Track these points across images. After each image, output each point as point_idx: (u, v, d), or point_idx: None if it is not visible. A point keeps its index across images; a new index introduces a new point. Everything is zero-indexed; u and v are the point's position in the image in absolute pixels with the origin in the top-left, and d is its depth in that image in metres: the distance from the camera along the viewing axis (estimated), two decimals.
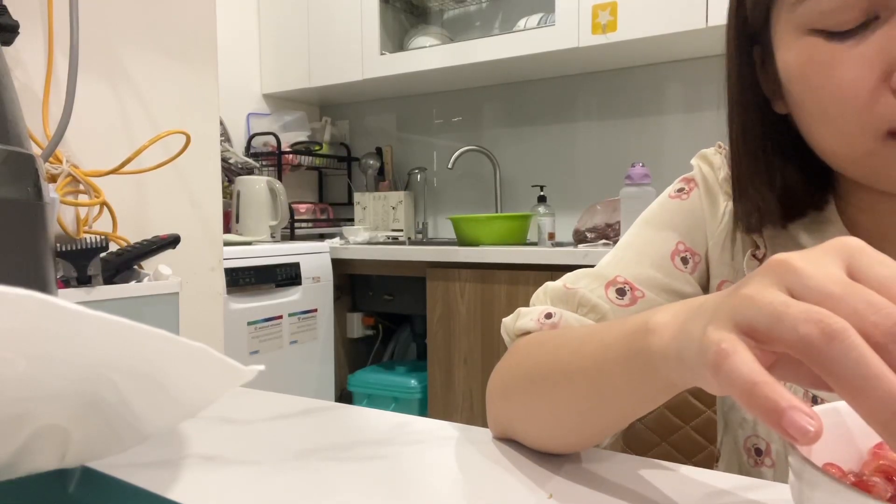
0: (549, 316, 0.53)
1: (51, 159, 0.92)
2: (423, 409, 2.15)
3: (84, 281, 0.85)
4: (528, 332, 0.53)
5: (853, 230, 0.52)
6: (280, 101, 2.80)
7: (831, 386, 0.25)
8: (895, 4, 0.40)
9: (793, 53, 0.46)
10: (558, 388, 0.44)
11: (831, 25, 0.42)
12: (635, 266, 0.58)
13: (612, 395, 0.39)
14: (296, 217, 2.55)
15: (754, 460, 0.58)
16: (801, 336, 0.25)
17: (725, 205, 0.58)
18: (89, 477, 0.35)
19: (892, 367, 0.24)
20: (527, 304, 0.58)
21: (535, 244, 2.17)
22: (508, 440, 0.50)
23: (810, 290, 0.26)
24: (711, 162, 0.61)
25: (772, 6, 0.47)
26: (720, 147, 0.61)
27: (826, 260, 0.27)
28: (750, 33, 0.51)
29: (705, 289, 0.60)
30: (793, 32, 0.45)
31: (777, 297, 0.26)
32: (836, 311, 0.25)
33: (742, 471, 0.58)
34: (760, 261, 0.56)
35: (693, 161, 0.62)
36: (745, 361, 0.26)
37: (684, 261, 0.58)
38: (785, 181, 0.52)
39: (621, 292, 0.56)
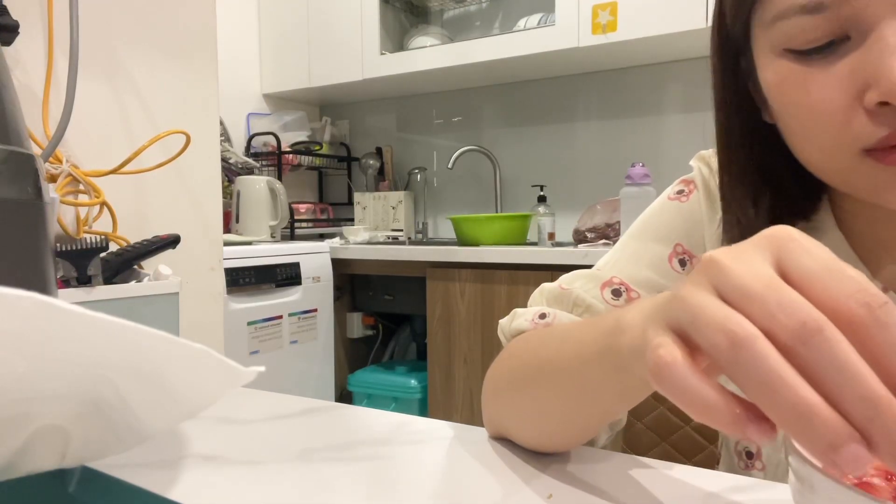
0: (542, 316, 0.53)
1: (51, 159, 0.92)
2: (423, 409, 2.15)
3: (84, 281, 0.85)
4: (523, 333, 0.53)
5: (849, 237, 0.52)
6: (280, 101, 2.80)
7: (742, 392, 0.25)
8: (865, 26, 0.40)
9: (770, 72, 0.46)
10: (541, 387, 0.44)
11: (802, 44, 0.42)
12: (632, 267, 0.58)
13: (593, 392, 0.39)
14: (296, 217, 2.54)
15: (745, 463, 0.58)
16: (711, 344, 0.25)
17: None
18: (89, 477, 0.35)
19: (800, 370, 0.24)
20: (527, 305, 0.58)
21: (535, 244, 2.17)
22: (507, 440, 0.50)
23: (733, 288, 0.26)
24: (710, 164, 0.60)
25: (750, 23, 0.47)
26: None
27: (754, 254, 0.27)
28: (734, 46, 0.51)
29: None
30: (769, 52, 0.45)
31: (701, 299, 0.27)
32: (751, 312, 0.25)
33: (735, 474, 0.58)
34: None
35: (692, 163, 0.62)
36: (686, 373, 0.26)
37: (682, 263, 0.58)
38: (775, 191, 0.52)
39: (617, 293, 0.56)
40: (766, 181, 0.52)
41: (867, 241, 0.51)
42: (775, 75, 0.45)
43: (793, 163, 0.50)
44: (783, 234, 0.27)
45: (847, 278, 0.25)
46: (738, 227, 0.53)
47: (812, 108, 0.43)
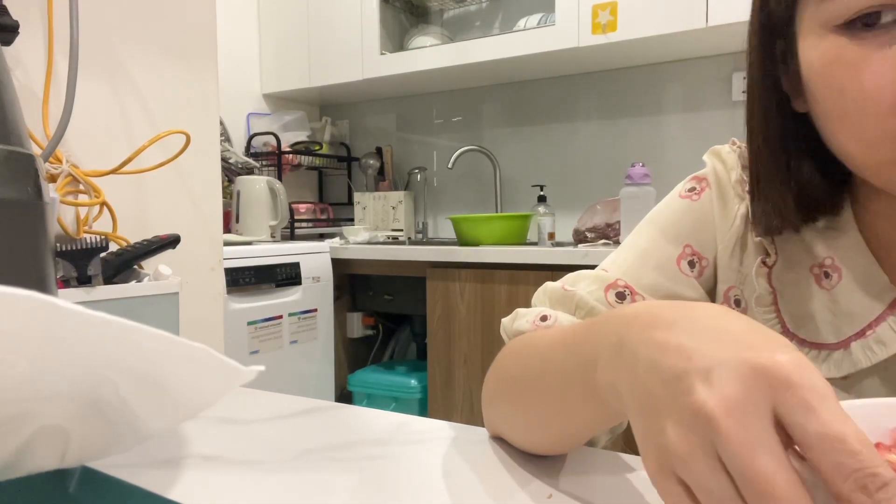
0: (544, 318, 0.52)
1: (51, 159, 0.92)
2: (423, 409, 2.15)
3: (84, 281, 0.85)
4: (524, 334, 0.53)
5: (869, 237, 0.50)
6: (280, 101, 2.80)
7: None
8: None
9: (817, 52, 0.43)
10: (528, 401, 0.45)
11: (857, 13, 0.40)
12: (638, 269, 0.56)
13: (574, 411, 0.40)
14: (296, 217, 2.54)
15: None
16: None
17: (737, 208, 0.55)
18: (89, 477, 0.35)
19: None
20: (527, 304, 0.57)
21: (535, 244, 2.17)
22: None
23: (728, 455, 0.25)
24: (725, 161, 0.57)
25: (797, 1, 0.45)
26: (735, 144, 0.58)
27: (752, 410, 0.26)
28: (774, 27, 0.48)
29: (711, 294, 0.57)
30: (818, 29, 0.43)
31: (689, 479, 0.27)
32: (744, 483, 0.25)
33: None
34: (770, 269, 0.53)
35: (706, 158, 0.59)
36: None
37: (691, 265, 0.56)
38: (802, 182, 0.49)
39: (621, 296, 0.54)
40: (795, 170, 0.49)
41: (888, 244, 0.49)
42: (824, 54, 0.43)
43: (820, 155, 0.48)
44: (780, 378, 0.26)
45: (846, 453, 0.23)
46: (776, 216, 0.50)
47: (860, 92, 0.41)
